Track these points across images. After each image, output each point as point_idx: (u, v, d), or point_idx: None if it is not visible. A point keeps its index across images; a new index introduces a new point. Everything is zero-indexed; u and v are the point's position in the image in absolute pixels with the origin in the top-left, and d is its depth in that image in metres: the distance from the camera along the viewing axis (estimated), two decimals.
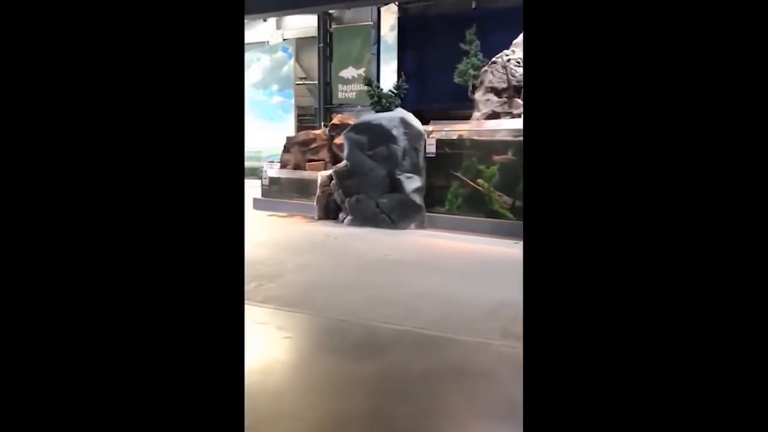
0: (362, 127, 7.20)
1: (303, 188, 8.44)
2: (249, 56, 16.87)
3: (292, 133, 12.97)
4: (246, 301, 3.51)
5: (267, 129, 16.17)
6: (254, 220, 7.56)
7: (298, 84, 15.82)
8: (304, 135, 9.80)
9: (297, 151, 9.21)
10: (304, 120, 15.51)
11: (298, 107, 15.72)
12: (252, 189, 11.02)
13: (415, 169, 6.89)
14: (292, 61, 15.92)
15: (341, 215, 7.27)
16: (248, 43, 17.52)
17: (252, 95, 16.62)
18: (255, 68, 16.63)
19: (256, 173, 13.31)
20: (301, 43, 15.87)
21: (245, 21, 17.22)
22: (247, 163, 15.86)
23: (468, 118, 7.82)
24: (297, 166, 8.98)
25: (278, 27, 16.79)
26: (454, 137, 7.00)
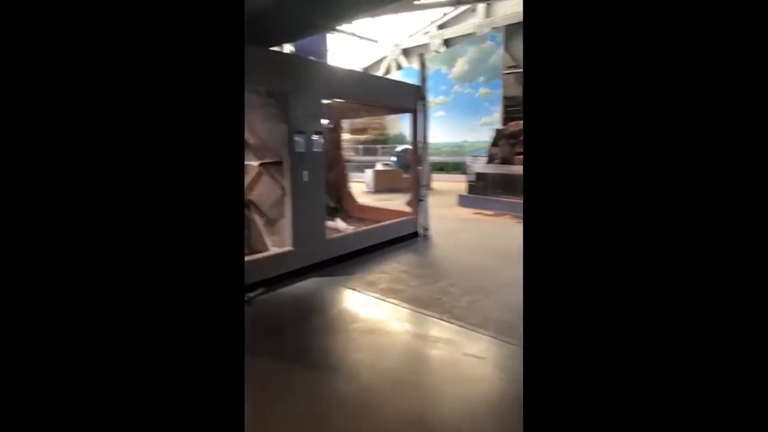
0: None
1: (511, 185, 7.66)
2: (455, 50, 16.75)
3: (498, 125, 12.27)
4: (459, 322, 3.00)
5: (472, 122, 15.81)
6: (460, 218, 7.12)
7: (505, 73, 14.93)
8: (513, 126, 9.01)
9: (505, 144, 8.49)
10: (511, 111, 14.59)
11: (506, 98, 14.86)
12: (455, 184, 10.79)
13: None
14: (500, 50, 15.07)
15: None
16: (455, 37, 17.44)
17: (457, 89, 16.45)
18: (460, 62, 16.40)
19: (459, 168, 13.07)
20: (511, 29, 14.89)
21: (453, 14, 17.16)
22: (449, 159, 15.82)
23: None
24: (505, 161, 8.26)
25: (487, 15, 16.19)
26: None
